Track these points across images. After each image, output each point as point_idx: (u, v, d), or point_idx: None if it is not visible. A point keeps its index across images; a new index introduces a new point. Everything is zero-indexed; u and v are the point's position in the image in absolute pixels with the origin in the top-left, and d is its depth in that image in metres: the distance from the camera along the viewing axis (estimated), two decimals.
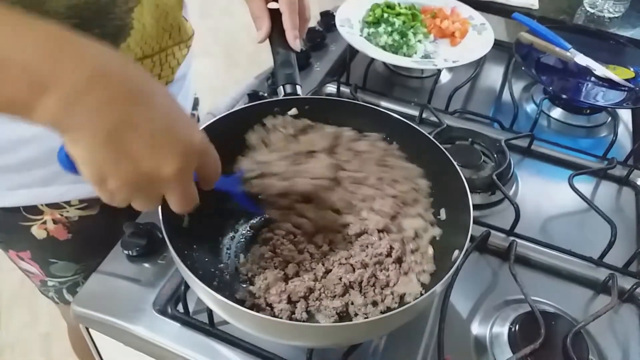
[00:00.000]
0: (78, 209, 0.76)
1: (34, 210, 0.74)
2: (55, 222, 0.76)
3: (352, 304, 0.57)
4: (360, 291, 0.58)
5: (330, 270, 0.60)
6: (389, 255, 0.61)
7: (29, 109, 0.38)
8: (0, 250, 0.84)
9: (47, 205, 0.74)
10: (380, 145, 0.69)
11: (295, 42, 0.72)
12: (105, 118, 0.39)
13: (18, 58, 0.37)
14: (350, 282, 0.58)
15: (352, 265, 0.61)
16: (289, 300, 0.56)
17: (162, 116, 0.42)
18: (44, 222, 0.76)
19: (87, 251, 0.82)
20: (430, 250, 0.61)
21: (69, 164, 0.43)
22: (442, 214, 0.63)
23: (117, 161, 0.40)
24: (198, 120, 0.96)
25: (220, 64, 2.76)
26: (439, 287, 0.50)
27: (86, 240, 0.80)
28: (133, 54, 0.67)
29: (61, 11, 0.57)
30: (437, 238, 0.62)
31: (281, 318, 0.55)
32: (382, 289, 0.59)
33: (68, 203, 0.75)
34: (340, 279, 0.58)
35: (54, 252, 0.80)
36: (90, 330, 0.65)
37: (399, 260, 0.61)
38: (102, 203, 0.76)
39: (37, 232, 0.76)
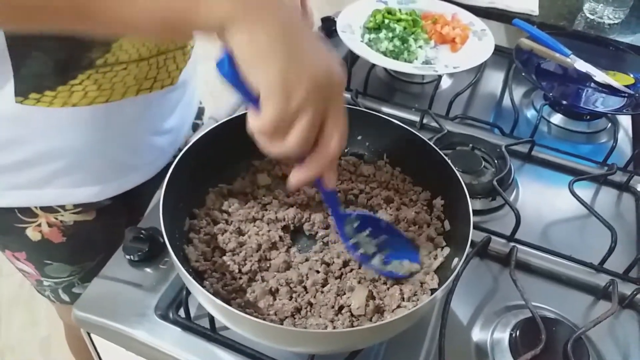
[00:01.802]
0: (73, 213, 0.77)
1: (29, 212, 0.74)
2: (50, 225, 0.77)
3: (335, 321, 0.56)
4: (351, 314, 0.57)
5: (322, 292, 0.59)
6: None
7: (198, 13, 0.40)
8: (0, 255, 0.85)
9: (41, 208, 0.74)
10: (385, 169, 0.71)
11: None
12: (277, 15, 0.41)
13: None
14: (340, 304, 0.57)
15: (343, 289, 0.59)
16: (276, 314, 0.56)
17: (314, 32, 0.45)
18: (39, 225, 0.76)
19: (82, 254, 0.83)
20: (436, 280, 0.59)
21: (231, 73, 0.43)
22: (446, 225, 0.63)
23: (296, 54, 0.41)
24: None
25: None
26: (439, 293, 0.50)
27: (81, 244, 0.81)
28: (127, 55, 0.67)
29: None
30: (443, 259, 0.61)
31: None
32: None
33: (63, 207, 0.75)
34: (333, 306, 0.57)
35: (48, 254, 0.81)
36: (91, 335, 0.65)
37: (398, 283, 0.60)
38: (99, 208, 0.78)
39: (32, 234, 0.77)
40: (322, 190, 0.54)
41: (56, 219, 0.76)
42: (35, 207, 0.74)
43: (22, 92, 0.62)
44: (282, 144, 0.44)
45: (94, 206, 0.78)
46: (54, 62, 0.62)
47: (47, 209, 0.75)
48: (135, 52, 0.68)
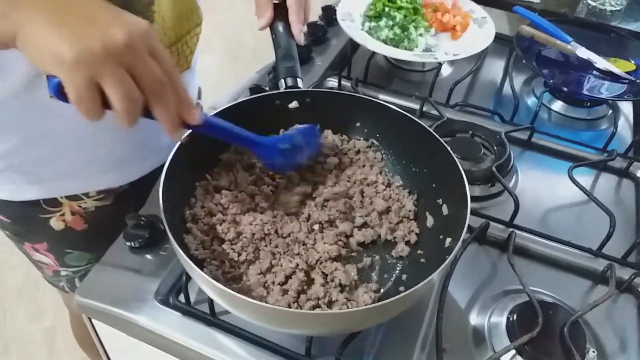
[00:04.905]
0: (95, 199, 0.78)
1: (54, 202, 0.75)
2: (73, 213, 0.78)
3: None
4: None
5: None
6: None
7: None
8: (4, 247, 0.86)
9: (66, 197, 0.75)
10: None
11: (300, 36, 0.73)
12: (45, 5, 0.42)
13: None
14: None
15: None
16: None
17: (101, 3, 0.44)
18: (63, 214, 0.77)
19: (100, 240, 0.83)
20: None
21: (57, 91, 0.44)
22: (444, 210, 0.63)
23: (66, 36, 0.41)
24: (201, 109, 0.97)
25: (223, 60, 2.77)
26: (436, 275, 0.50)
27: (100, 230, 0.81)
28: None
29: None
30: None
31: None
32: None
33: (86, 194, 0.77)
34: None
35: (70, 242, 0.82)
36: (93, 320, 0.66)
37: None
38: (116, 193, 0.79)
39: (56, 223, 0.78)
40: (206, 130, 0.54)
41: (79, 206, 0.77)
42: (61, 197, 0.75)
43: None
44: (116, 111, 0.44)
45: (114, 191, 0.80)
46: None
47: (72, 197, 0.76)
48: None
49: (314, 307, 0.57)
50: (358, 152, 0.72)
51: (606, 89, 0.98)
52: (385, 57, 1.07)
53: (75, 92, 0.42)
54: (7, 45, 0.44)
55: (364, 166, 0.71)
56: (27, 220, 0.78)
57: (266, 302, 0.56)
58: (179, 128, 0.50)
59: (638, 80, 0.97)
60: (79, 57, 0.40)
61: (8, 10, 0.42)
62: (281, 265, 0.60)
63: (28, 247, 0.83)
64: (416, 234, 0.64)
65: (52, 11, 0.42)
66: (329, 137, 0.72)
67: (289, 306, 0.56)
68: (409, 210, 0.66)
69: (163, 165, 0.80)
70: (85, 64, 0.41)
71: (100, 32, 0.41)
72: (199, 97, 0.96)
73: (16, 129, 0.67)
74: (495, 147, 0.84)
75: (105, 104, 0.44)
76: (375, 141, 0.72)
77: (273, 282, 0.58)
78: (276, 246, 0.62)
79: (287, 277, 0.59)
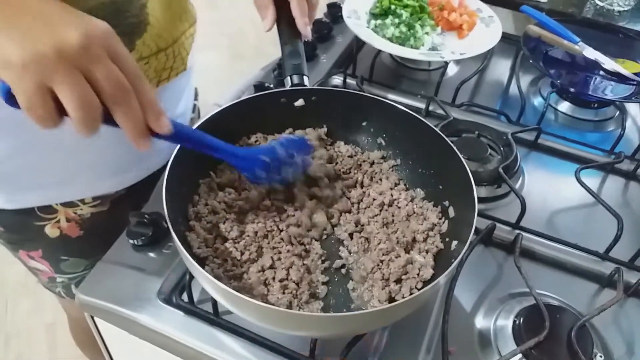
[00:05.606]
0: (91, 206, 0.77)
1: (49, 209, 0.74)
2: (68, 220, 0.76)
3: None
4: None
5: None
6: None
7: None
8: None
9: (61, 204, 0.74)
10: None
11: (306, 29, 0.70)
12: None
13: None
14: None
15: None
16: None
17: (60, 5, 0.41)
18: (58, 221, 0.76)
19: (97, 247, 0.82)
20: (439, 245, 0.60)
21: (7, 97, 0.42)
22: (451, 212, 0.63)
23: (15, 38, 0.39)
24: (198, 111, 0.96)
25: (225, 56, 2.76)
26: (442, 279, 0.49)
27: (97, 236, 0.80)
28: (148, 49, 0.67)
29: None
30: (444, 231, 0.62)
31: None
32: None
33: (82, 201, 0.75)
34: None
35: (65, 249, 0.81)
36: (95, 318, 0.65)
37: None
38: (113, 199, 0.78)
39: (51, 231, 0.77)
40: (177, 141, 0.53)
41: (75, 213, 0.76)
42: (56, 204, 0.74)
43: None
44: (72, 118, 0.41)
45: (110, 197, 0.78)
46: None
47: (68, 204, 0.75)
48: (154, 46, 0.68)
49: None
50: (372, 163, 0.71)
51: (613, 90, 0.98)
52: (390, 55, 1.06)
53: (24, 99, 0.40)
54: None
55: (380, 180, 0.70)
56: (22, 228, 0.77)
57: (267, 300, 0.55)
58: (145, 137, 0.46)
59: None
60: (27, 60, 0.38)
61: None
62: (281, 261, 0.59)
63: (23, 254, 0.82)
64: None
65: (5, 12, 0.40)
66: (342, 147, 0.72)
67: (290, 304, 0.56)
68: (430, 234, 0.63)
69: (161, 167, 0.80)
70: (34, 67, 0.38)
71: (53, 34, 0.39)
72: (196, 98, 0.95)
73: (8, 136, 0.65)
74: (501, 148, 0.83)
75: (64, 111, 0.41)
76: (383, 142, 0.71)
77: (273, 279, 0.58)
78: (280, 240, 0.61)
79: (287, 273, 0.58)
